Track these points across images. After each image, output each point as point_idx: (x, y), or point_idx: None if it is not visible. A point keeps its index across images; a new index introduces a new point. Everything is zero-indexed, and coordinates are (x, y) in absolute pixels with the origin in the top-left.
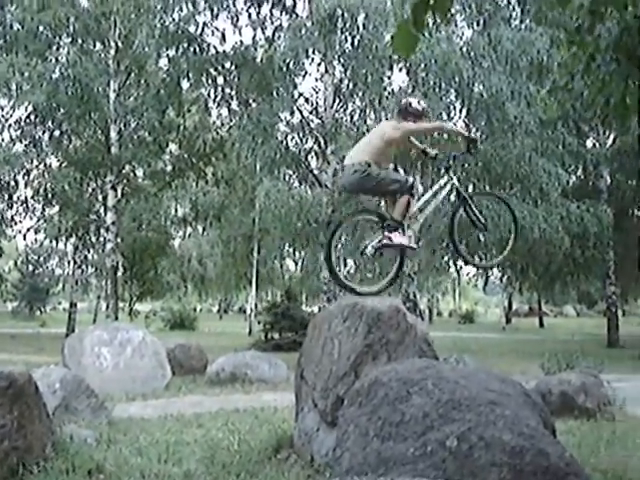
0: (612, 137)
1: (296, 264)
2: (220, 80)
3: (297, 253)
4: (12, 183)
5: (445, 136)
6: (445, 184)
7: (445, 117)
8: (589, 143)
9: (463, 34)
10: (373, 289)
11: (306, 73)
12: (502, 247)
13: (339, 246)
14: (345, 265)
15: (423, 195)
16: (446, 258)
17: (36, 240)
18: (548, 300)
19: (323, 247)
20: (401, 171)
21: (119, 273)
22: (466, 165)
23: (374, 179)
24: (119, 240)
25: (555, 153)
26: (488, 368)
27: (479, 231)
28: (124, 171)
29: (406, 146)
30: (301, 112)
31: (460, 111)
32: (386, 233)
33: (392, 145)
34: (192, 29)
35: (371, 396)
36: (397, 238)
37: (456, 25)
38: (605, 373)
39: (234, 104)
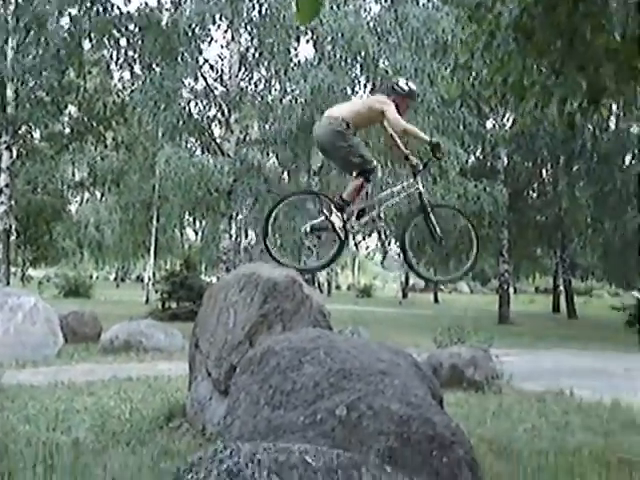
0: (511, 119)
1: (196, 233)
2: (123, 42)
3: (197, 222)
4: None
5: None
6: (409, 187)
7: (350, 92)
8: (489, 124)
9: (370, 9)
10: (306, 266)
11: (212, 39)
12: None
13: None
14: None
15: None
16: None
17: None
18: None
19: (264, 220)
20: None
21: (12, 237)
22: (370, 142)
23: (345, 141)
24: (13, 203)
25: (455, 132)
26: (381, 340)
27: (435, 242)
28: (20, 132)
29: (377, 122)
30: (205, 79)
31: (365, 86)
32: (331, 205)
33: (372, 115)
34: None
35: (263, 364)
36: (334, 217)
37: (364, 0)
38: (495, 348)
39: (137, 67)
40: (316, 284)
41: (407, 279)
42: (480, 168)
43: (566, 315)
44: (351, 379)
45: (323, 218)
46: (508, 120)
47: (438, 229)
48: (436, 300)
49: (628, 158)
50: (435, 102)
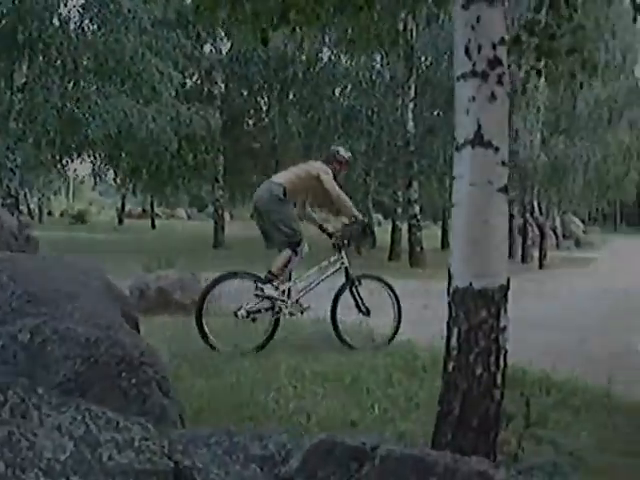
0: (229, 44)
1: None
2: None
3: None
4: None
5: None
6: (335, 262)
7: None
8: (207, 48)
9: None
10: (245, 349)
11: None
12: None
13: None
14: None
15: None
16: (58, 156)
17: None
18: (162, 202)
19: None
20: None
21: None
22: (78, 60)
23: (280, 207)
24: None
25: (170, 54)
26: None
27: (362, 314)
28: None
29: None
30: None
31: None
32: (259, 284)
33: (309, 179)
34: None
35: None
36: (268, 290)
37: None
38: (207, 271)
39: None
40: (21, 208)
41: (123, 205)
42: (198, 92)
43: None
44: (36, 303)
45: (258, 300)
46: (226, 45)
47: (364, 302)
48: (153, 226)
49: (337, 90)
50: (148, 20)
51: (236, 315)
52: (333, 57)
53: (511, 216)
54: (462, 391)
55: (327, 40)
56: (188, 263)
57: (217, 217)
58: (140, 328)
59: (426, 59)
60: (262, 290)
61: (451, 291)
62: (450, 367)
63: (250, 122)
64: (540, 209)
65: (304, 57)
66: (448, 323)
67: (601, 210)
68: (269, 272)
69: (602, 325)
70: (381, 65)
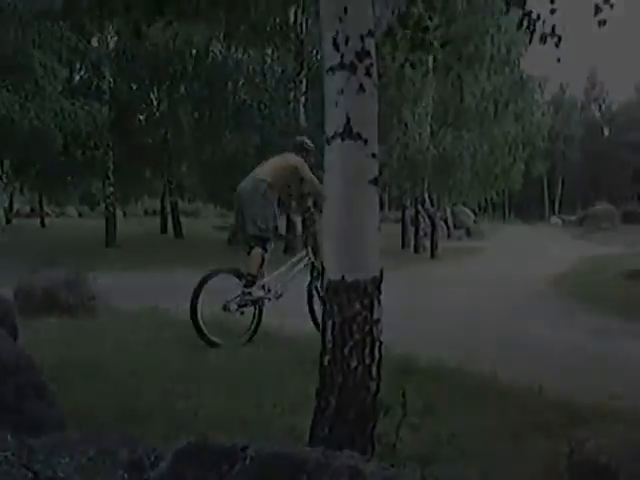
0: (116, 38)
1: None
2: None
3: None
4: None
5: None
6: (302, 258)
7: None
8: (95, 42)
9: None
10: (237, 342)
11: None
12: None
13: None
14: None
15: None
16: None
17: None
18: (52, 201)
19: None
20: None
21: None
22: None
23: (263, 201)
24: None
25: (53, 47)
26: None
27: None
28: None
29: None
30: None
31: None
32: (245, 289)
33: (289, 169)
34: None
35: None
36: (256, 292)
37: None
38: (98, 270)
39: None
40: None
41: (11, 204)
42: (85, 87)
43: (173, 236)
44: None
45: (243, 295)
46: (113, 38)
47: None
48: (43, 225)
49: (229, 84)
50: (30, 14)
51: (226, 309)
52: (223, 51)
53: (404, 207)
54: (338, 384)
55: (217, 33)
56: (78, 263)
57: (109, 215)
58: (24, 331)
59: (317, 53)
60: (250, 294)
61: (325, 284)
62: (326, 361)
63: (141, 117)
64: (431, 200)
65: (194, 51)
66: (323, 316)
67: (490, 200)
68: (249, 275)
69: (491, 311)
70: (272, 59)
